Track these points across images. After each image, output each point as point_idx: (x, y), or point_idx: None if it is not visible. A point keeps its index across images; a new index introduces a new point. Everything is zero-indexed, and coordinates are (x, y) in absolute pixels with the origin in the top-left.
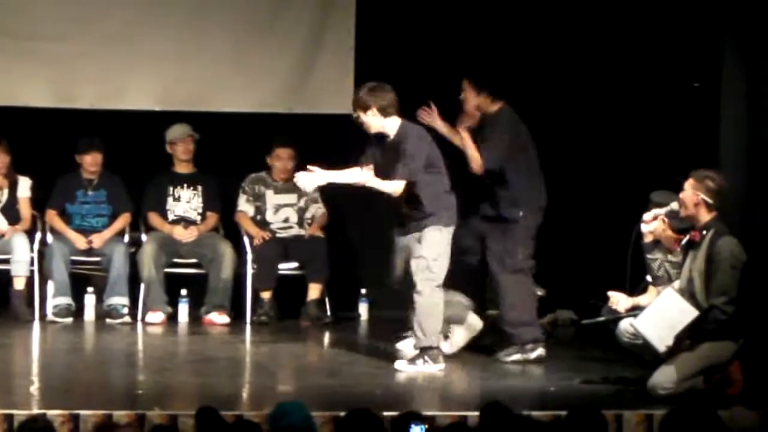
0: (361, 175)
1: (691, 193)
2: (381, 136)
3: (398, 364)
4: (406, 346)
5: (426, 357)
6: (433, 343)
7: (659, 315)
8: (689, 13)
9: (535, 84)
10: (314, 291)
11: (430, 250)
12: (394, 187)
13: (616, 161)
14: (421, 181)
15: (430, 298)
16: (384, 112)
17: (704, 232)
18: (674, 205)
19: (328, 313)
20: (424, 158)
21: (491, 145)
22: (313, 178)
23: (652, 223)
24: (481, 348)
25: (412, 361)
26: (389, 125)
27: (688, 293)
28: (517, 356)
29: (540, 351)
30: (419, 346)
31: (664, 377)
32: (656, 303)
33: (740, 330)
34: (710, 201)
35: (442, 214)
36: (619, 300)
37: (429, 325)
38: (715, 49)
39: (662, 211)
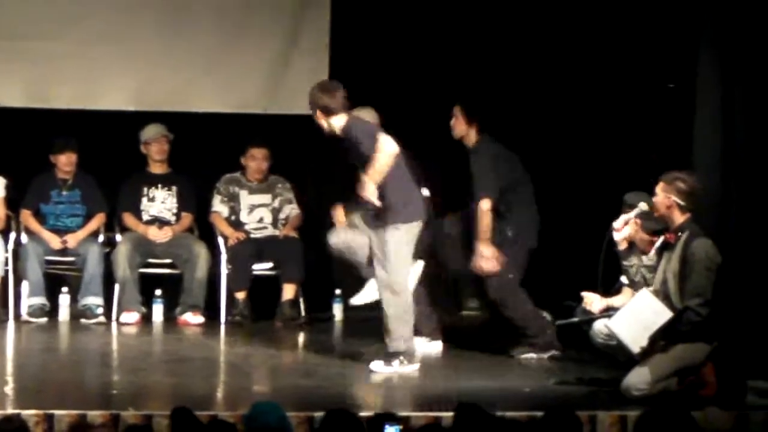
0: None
1: (663, 196)
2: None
3: (373, 365)
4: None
5: (401, 358)
6: (401, 347)
7: (634, 316)
8: (665, 14)
9: (509, 85)
10: (288, 291)
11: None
12: (378, 164)
13: (591, 162)
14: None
15: (393, 300)
16: (326, 112)
17: (679, 234)
18: (642, 206)
19: (303, 313)
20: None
21: (481, 180)
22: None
23: (624, 229)
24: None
25: (387, 362)
26: (336, 123)
27: (662, 295)
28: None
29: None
30: (390, 350)
31: (638, 378)
32: (631, 304)
33: (714, 332)
34: (682, 203)
35: (401, 210)
36: (593, 301)
37: (396, 328)
38: (690, 51)
39: (631, 214)
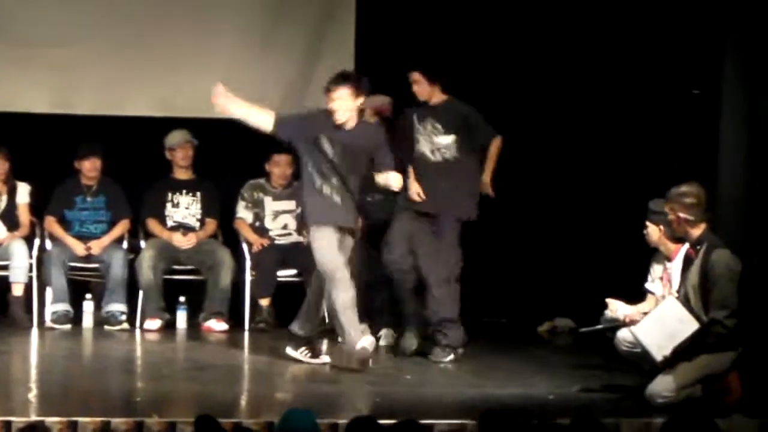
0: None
1: (672, 215)
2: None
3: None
4: None
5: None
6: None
7: (659, 323)
8: (689, 20)
9: (535, 91)
10: None
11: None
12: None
13: (616, 169)
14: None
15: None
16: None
17: (698, 247)
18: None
19: (326, 320)
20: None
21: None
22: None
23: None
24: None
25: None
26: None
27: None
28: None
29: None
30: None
31: (662, 386)
32: (656, 311)
33: (738, 339)
34: (692, 217)
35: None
36: (617, 308)
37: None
38: (714, 57)
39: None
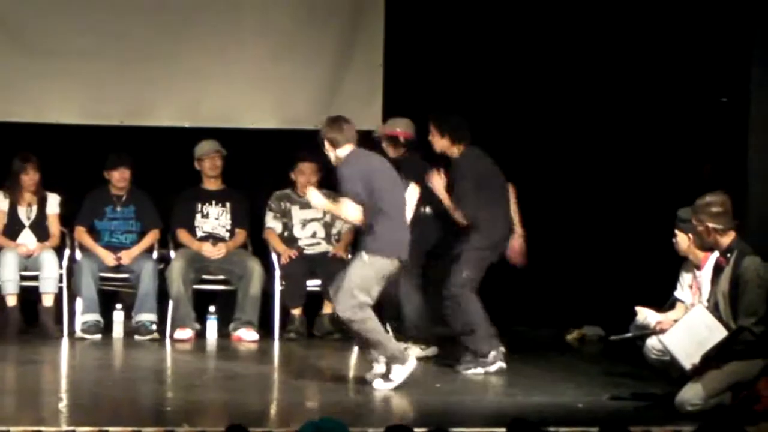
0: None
1: (701, 227)
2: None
3: (376, 385)
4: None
5: (396, 364)
6: (391, 350)
7: (687, 331)
8: (717, 28)
9: (568, 101)
10: (329, 306)
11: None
12: (344, 210)
13: (645, 177)
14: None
15: (360, 324)
16: (333, 143)
17: (728, 255)
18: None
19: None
20: (360, 184)
21: (461, 199)
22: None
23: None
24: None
25: (386, 377)
26: (340, 154)
27: (715, 317)
28: (478, 369)
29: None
30: (386, 357)
31: (692, 393)
32: (685, 319)
33: (767, 346)
34: (720, 225)
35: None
36: (646, 315)
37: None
38: (743, 65)
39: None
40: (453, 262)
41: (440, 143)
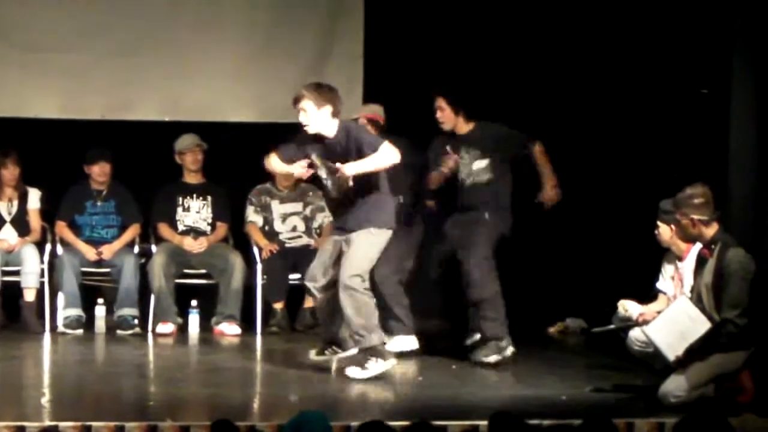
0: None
1: (684, 219)
2: (317, 138)
3: (349, 372)
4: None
5: (376, 357)
6: (375, 340)
7: (671, 323)
8: (698, 19)
9: (544, 92)
10: (310, 300)
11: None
12: (385, 154)
13: (626, 169)
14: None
15: (362, 296)
16: (335, 114)
17: (712, 247)
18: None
19: None
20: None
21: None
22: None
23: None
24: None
25: (361, 365)
26: (331, 126)
27: (698, 309)
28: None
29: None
30: (363, 347)
31: (675, 385)
32: (668, 311)
33: (750, 338)
34: (704, 217)
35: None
36: (629, 308)
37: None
38: (723, 56)
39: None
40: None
41: (451, 119)
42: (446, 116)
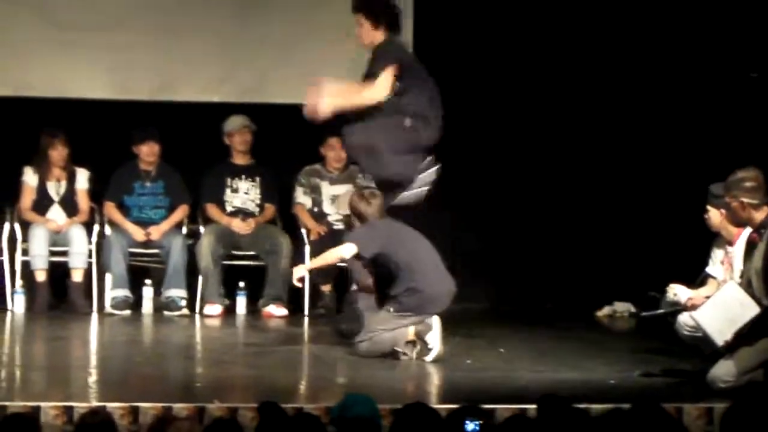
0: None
1: (734, 203)
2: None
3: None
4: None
5: None
6: None
7: (720, 308)
8: (746, 2)
9: (597, 77)
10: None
11: None
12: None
13: (676, 153)
14: None
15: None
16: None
17: (762, 231)
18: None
19: None
20: None
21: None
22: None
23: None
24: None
25: None
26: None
27: (748, 294)
28: None
29: None
30: None
31: (723, 370)
32: (718, 295)
33: None
34: (755, 200)
35: None
36: (678, 292)
37: None
38: None
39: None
40: None
41: (370, 35)
42: (363, 33)
